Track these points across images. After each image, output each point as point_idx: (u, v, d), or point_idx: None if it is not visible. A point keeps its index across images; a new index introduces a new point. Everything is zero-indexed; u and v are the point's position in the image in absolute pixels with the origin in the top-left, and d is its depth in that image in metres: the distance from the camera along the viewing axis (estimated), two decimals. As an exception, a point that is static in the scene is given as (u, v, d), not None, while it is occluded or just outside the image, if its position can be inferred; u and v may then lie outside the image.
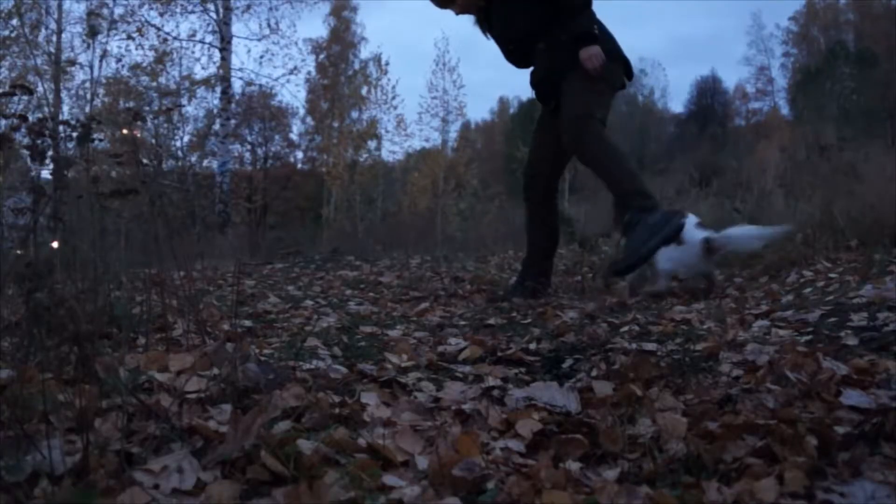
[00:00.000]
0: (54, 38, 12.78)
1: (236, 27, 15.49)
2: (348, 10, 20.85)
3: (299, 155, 20.90)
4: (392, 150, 22.09)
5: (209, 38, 13.90)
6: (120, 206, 2.23)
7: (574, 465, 1.04)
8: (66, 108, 12.85)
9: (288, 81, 21.54)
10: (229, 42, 13.80)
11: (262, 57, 14.36)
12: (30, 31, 12.53)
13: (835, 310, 2.17)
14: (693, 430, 1.13)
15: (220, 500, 0.90)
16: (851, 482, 0.92)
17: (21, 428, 0.95)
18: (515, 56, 3.32)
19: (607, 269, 2.91)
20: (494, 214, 13.89)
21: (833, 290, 2.62)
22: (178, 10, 13.46)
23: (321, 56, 20.26)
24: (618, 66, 3.15)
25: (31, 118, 1.58)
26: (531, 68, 3.32)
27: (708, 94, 33.06)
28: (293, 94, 36.65)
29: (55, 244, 1.76)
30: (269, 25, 14.36)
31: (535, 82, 3.32)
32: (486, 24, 3.37)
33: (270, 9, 14.35)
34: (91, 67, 12.43)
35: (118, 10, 13.04)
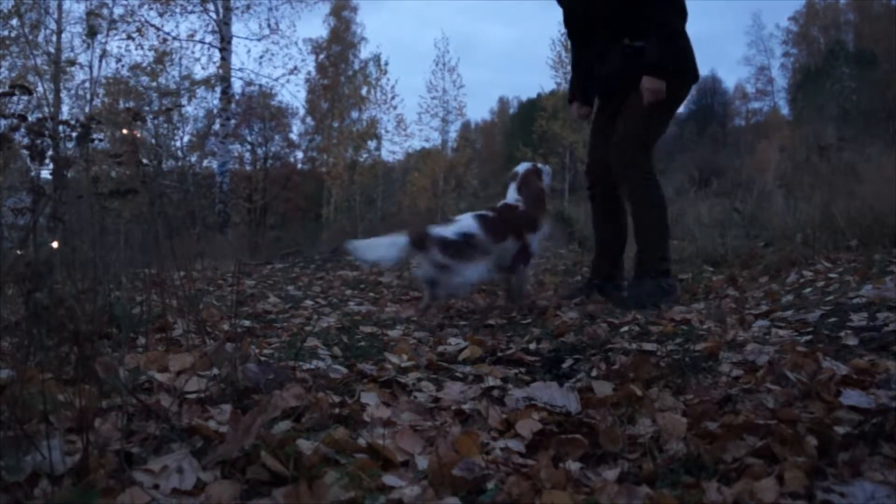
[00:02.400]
0: (54, 38, 12.79)
1: (236, 27, 15.52)
2: (348, 10, 20.85)
3: (299, 155, 20.90)
4: (392, 150, 22.08)
5: (209, 38, 13.90)
6: (120, 206, 2.23)
7: (574, 465, 1.04)
8: (65, 108, 12.86)
9: (288, 81, 21.56)
10: (229, 42, 13.80)
11: (262, 57, 14.36)
12: (30, 31, 12.53)
13: (835, 310, 2.17)
14: (693, 430, 1.13)
15: (220, 500, 0.90)
16: (851, 482, 0.93)
17: (21, 428, 0.95)
18: (584, 19, 3.10)
19: (616, 301, 2.86)
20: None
21: (833, 290, 2.62)
22: (177, 10, 13.47)
23: (321, 56, 20.27)
24: (688, 87, 3.07)
25: (30, 118, 1.58)
26: (594, 53, 3.10)
27: (708, 94, 33.07)
28: (293, 94, 36.68)
29: (55, 244, 1.76)
30: (268, 25, 14.35)
31: (602, 74, 3.11)
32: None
33: (270, 9, 14.35)
34: (91, 67, 12.42)
35: (118, 10, 13.05)
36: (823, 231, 3.84)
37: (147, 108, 13.13)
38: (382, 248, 2.77)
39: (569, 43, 3.37)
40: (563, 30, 3.34)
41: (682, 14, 2.91)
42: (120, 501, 0.86)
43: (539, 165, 3.19)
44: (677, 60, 2.92)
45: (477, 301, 3.25)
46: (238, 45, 21.58)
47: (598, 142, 3.22)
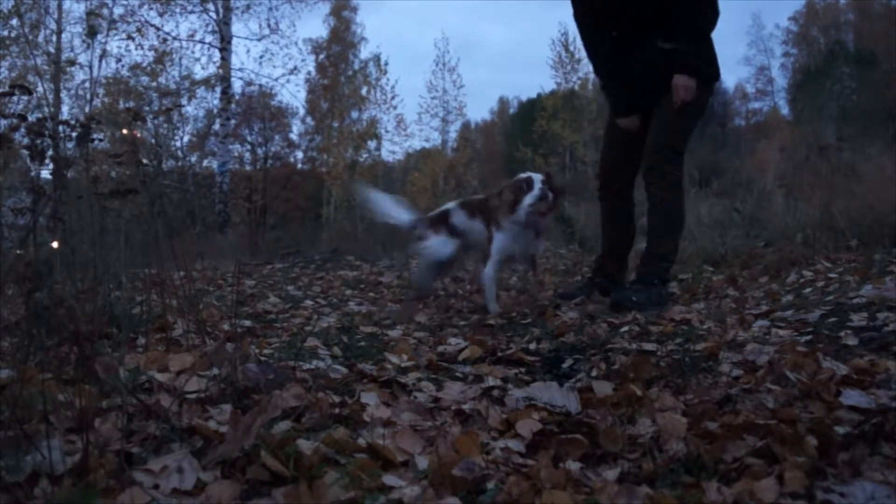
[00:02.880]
0: (54, 38, 12.79)
1: (236, 27, 15.51)
2: (348, 10, 20.83)
3: (299, 155, 20.86)
4: (392, 150, 22.07)
5: (209, 38, 13.91)
6: (120, 206, 2.23)
7: (574, 465, 1.04)
8: (65, 108, 12.85)
9: (288, 81, 21.55)
10: (229, 42, 13.80)
11: (262, 57, 14.37)
12: (30, 31, 12.52)
13: (835, 310, 2.17)
14: (693, 430, 1.13)
15: (220, 500, 0.90)
16: (851, 482, 0.92)
17: (21, 428, 0.95)
18: (616, 19, 3.00)
19: (611, 300, 2.85)
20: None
21: (833, 290, 2.62)
22: (177, 10, 13.48)
23: (321, 56, 20.25)
24: (711, 87, 3.03)
25: (30, 118, 1.58)
26: (627, 49, 3.01)
27: (708, 94, 33.03)
28: (293, 94, 36.65)
29: (55, 244, 1.76)
30: (268, 25, 14.36)
31: (633, 74, 3.02)
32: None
33: (270, 9, 14.35)
34: (91, 67, 12.41)
35: (118, 10, 13.04)
36: (823, 231, 3.83)
37: (147, 108, 13.12)
38: (394, 208, 3.20)
39: (582, 46, 3.24)
40: (577, 34, 3.21)
41: (716, 15, 2.91)
42: (120, 501, 0.86)
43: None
44: (709, 64, 2.93)
45: (477, 301, 3.25)
46: (238, 45, 21.56)
47: (615, 144, 3.18)
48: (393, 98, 20.44)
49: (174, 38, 13.76)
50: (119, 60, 13.34)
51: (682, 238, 3.06)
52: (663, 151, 2.94)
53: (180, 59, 14.45)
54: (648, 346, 1.85)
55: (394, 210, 3.22)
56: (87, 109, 12.03)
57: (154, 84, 14.23)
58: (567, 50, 21.20)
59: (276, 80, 15.23)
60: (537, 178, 2.88)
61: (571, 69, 21.59)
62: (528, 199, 2.80)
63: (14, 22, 12.19)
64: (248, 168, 17.38)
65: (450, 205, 3.22)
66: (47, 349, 1.26)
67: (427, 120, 22.10)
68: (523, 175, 2.95)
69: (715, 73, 3.01)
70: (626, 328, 2.21)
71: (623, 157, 3.15)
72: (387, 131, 20.91)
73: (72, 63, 12.69)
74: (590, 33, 3.15)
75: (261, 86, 15.27)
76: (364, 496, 0.91)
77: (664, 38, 2.89)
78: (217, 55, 13.82)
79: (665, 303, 2.80)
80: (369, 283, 4.25)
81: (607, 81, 3.19)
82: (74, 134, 1.80)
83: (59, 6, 12.74)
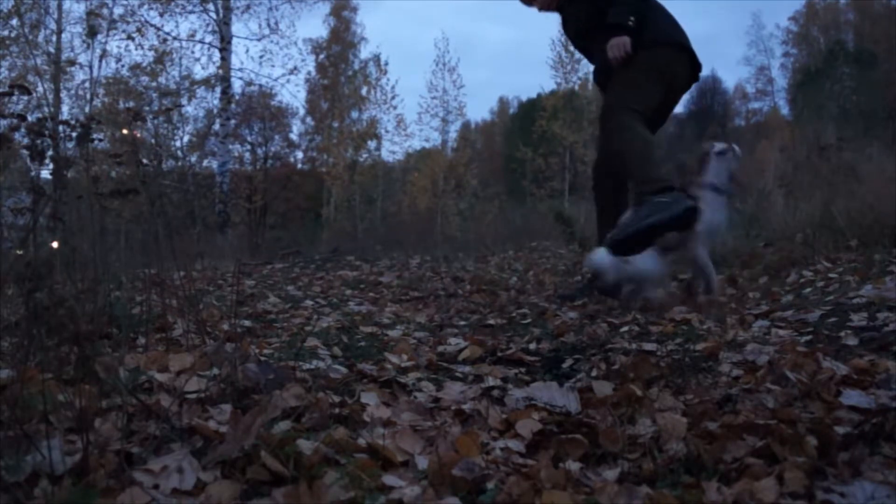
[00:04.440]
0: (54, 38, 12.78)
1: (236, 27, 15.52)
2: (348, 10, 20.85)
3: (299, 155, 20.87)
4: (392, 150, 22.08)
5: (209, 38, 13.92)
6: (120, 206, 2.23)
7: (574, 465, 1.04)
8: (65, 108, 12.85)
9: (288, 81, 21.60)
10: (229, 42, 13.81)
11: (261, 57, 14.38)
12: (30, 31, 12.52)
13: (835, 310, 2.17)
14: (693, 430, 1.13)
15: (220, 500, 0.90)
16: (851, 482, 0.92)
17: (21, 428, 0.95)
18: (586, 53, 3.23)
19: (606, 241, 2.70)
20: (494, 214, 13.89)
21: (833, 290, 2.62)
22: (177, 10, 13.49)
23: (321, 56, 20.27)
24: (670, 53, 2.99)
25: (30, 118, 1.58)
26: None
27: (708, 94, 33.02)
28: (293, 94, 36.68)
29: (55, 244, 1.76)
30: (268, 25, 14.37)
31: (594, 73, 3.24)
32: (563, 25, 3.29)
33: (270, 9, 14.36)
34: (91, 67, 12.41)
35: (118, 10, 13.05)
36: (823, 231, 3.83)
37: (147, 108, 13.12)
38: None
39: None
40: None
41: None
42: (120, 501, 0.86)
43: None
44: (638, 15, 2.90)
45: (477, 301, 3.26)
46: (238, 45, 21.62)
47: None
48: (393, 98, 20.48)
49: (174, 38, 13.78)
50: (119, 60, 13.36)
51: (653, 154, 2.85)
52: (603, 112, 2.98)
53: (180, 59, 14.48)
54: (648, 346, 1.85)
55: None
56: (87, 109, 12.03)
57: (154, 84, 14.24)
58: (567, 50, 21.17)
59: (276, 80, 15.29)
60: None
61: (571, 69, 21.58)
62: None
63: (14, 22, 12.19)
64: (248, 168, 17.40)
65: None
66: (47, 349, 1.26)
67: (427, 120, 22.11)
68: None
69: (656, 38, 2.96)
70: (626, 328, 2.21)
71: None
72: (387, 131, 20.95)
73: (72, 63, 12.69)
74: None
75: (261, 86, 15.31)
76: (364, 496, 0.91)
77: (602, 34, 2.96)
78: (217, 55, 13.84)
79: (669, 205, 2.59)
80: (369, 283, 4.25)
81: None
82: (74, 134, 1.80)
83: (59, 6, 12.75)
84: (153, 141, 13.58)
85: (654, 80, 3.01)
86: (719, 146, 2.94)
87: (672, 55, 3.03)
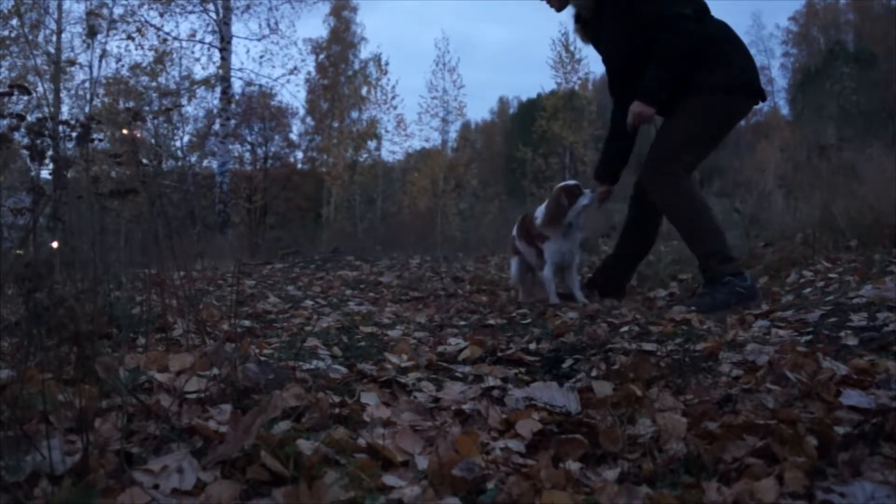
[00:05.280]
0: (54, 38, 12.78)
1: (236, 27, 15.53)
2: (348, 10, 20.83)
3: (299, 155, 20.88)
4: (392, 150, 22.06)
5: (209, 38, 13.92)
6: (120, 206, 2.23)
7: (574, 465, 1.04)
8: (65, 108, 12.86)
9: (288, 81, 21.56)
10: (229, 42, 13.81)
11: (262, 57, 14.38)
12: (30, 31, 12.52)
13: (835, 310, 2.17)
14: (693, 430, 1.13)
15: (220, 500, 0.90)
16: (851, 482, 0.92)
17: (21, 428, 0.95)
18: (615, 75, 3.16)
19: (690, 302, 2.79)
20: (494, 214, 13.88)
21: (833, 290, 2.62)
22: (177, 10, 13.49)
23: (321, 56, 20.25)
24: (731, 100, 2.93)
25: (30, 118, 1.58)
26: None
27: (708, 94, 32.98)
28: (293, 94, 36.69)
29: (55, 244, 1.76)
30: (268, 25, 14.37)
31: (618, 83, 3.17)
32: (588, 34, 3.22)
33: (270, 9, 14.37)
34: (91, 67, 12.41)
35: (118, 10, 13.05)
36: (823, 231, 3.84)
37: (147, 108, 13.12)
38: None
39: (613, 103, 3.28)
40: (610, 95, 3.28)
41: (680, 35, 2.83)
42: (120, 501, 0.86)
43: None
44: (664, 89, 2.88)
45: (477, 300, 3.25)
46: (238, 45, 21.61)
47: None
48: (393, 98, 20.45)
49: (174, 38, 13.79)
50: (119, 60, 13.36)
51: (708, 226, 2.89)
52: (649, 163, 2.97)
53: (180, 59, 14.48)
54: (648, 346, 1.84)
55: None
56: (87, 109, 12.03)
57: (154, 84, 14.23)
58: (567, 50, 21.16)
59: (276, 80, 15.30)
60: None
61: (571, 69, 21.55)
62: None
63: (14, 22, 12.19)
64: (248, 168, 17.40)
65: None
66: (47, 349, 1.26)
67: (427, 120, 22.07)
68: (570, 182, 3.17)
69: (725, 85, 2.89)
70: (626, 328, 2.21)
71: None
72: (387, 131, 20.93)
73: (72, 63, 12.69)
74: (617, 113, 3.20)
75: (261, 86, 15.31)
76: (364, 496, 0.91)
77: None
78: (217, 55, 13.84)
79: (750, 296, 2.67)
80: (369, 283, 4.25)
81: (607, 145, 3.29)
82: (74, 134, 1.79)
83: (59, 6, 12.75)
84: (153, 141, 13.58)
85: (716, 131, 3.02)
86: (581, 194, 3.13)
87: (743, 104, 3.01)
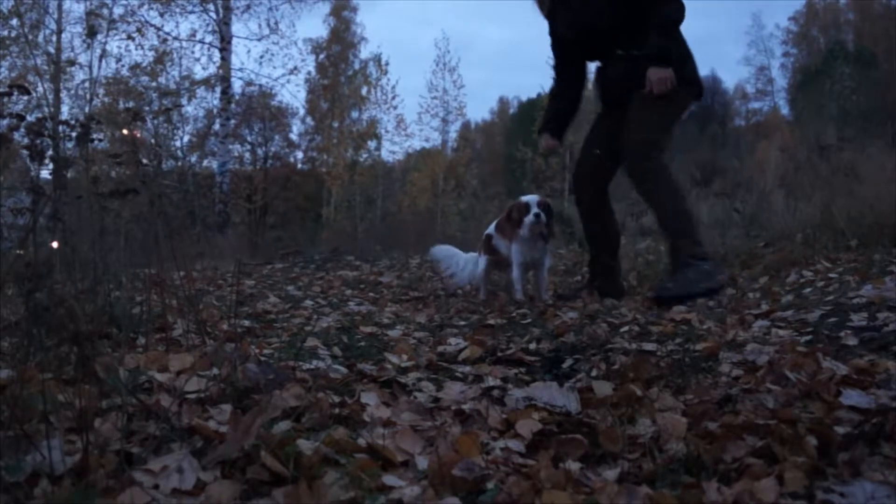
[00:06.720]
0: (54, 38, 12.79)
1: (236, 27, 15.47)
2: (348, 10, 20.82)
3: (299, 155, 20.85)
4: (392, 150, 22.06)
5: (209, 38, 13.92)
6: (120, 206, 2.23)
7: (574, 465, 1.04)
8: (65, 108, 12.85)
9: (288, 81, 21.55)
10: (229, 42, 13.81)
11: (262, 57, 14.39)
12: (30, 31, 12.52)
13: (835, 310, 2.17)
14: (693, 430, 1.13)
15: (220, 500, 0.90)
16: (851, 482, 0.92)
17: (21, 428, 0.95)
18: (579, 46, 3.20)
19: (657, 288, 2.92)
20: (494, 214, 13.86)
21: (833, 290, 2.62)
22: (177, 10, 13.49)
23: (321, 56, 20.24)
24: (690, 91, 3.05)
25: (30, 118, 1.58)
26: (598, 64, 3.25)
27: (708, 94, 33.01)
28: (293, 94, 36.63)
29: (55, 244, 1.76)
30: (268, 25, 14.38)
31: (604, 84, 3.25)
32: (545, 4, 3.27)
33: (270, 9, 14.37)
34: (91, 67, 12.40)
35: (118, 10, 13.06)
36: (823, 231, 3.84)
37: (147, 108, 13.12)
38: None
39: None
40: (552, 57, 3.34)
41: (682, 7, 2.93)
42: (120, 501, 0.86)
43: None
44: (684, 62, 2.96)
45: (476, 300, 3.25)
46: (238, 45, 21.50)
47: (588, 158, 3.28)
48: (393, 98, 20.45)
49: (174, 38, 13.79)
50: (119, 60, 13.38)
51: (684, 208, 3.02)
52: (634, 148, 2.98)
53: (180, 59, 14.48)
54: (648, 346, 1.85)
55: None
56: (87, 109, 12.03)
57: (154, 84, 14.24)
58: (567, 50, 21.15)
59: (276, 80, 15.30)
60: (533, 200, 3.19)
61: (571, 69, 21.54)
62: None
63: (14, 22, 12.19)
64: (248, 168, 17.40)
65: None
66: (47, 349, 1.26)
67: (427, 120, 22.09)
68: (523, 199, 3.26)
69: (691, 77, 3.02)
70: (626, 328, 2.21)
71: (597, 162, 3.21)
72: (387, 131, 20.92)
73: (72, 63, 12.70)
74: (560, 66, 3.35)
75: (261, 86, 15.32)
76: (364, 496, 0.91)
77: (625, 48, 3.01)
78: (217, 55, 13.84)
79: (715, 274, 2.78)
80: (369, 283, 4.25)
81: (551, 101, 3.41)
82: (74, 134, 1.79)
83: (59, 6, 12.75)
84: (153, 141, 13.58)
85: (677, 117, 3.10)
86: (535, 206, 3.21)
87: (690, 94, 3.09)
